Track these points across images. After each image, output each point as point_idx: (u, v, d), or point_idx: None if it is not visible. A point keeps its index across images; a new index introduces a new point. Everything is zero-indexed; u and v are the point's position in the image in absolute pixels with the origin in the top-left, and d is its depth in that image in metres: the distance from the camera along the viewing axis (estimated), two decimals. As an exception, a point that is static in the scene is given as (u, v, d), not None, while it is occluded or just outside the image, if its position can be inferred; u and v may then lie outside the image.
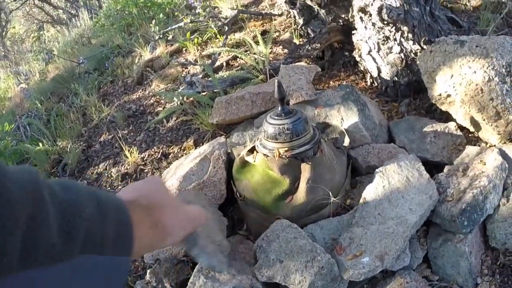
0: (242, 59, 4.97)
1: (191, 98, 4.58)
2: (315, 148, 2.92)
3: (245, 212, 3.16)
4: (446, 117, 3.56)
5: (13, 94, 9.15)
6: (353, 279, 2.47)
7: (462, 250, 2.63)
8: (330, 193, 2.82)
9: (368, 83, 4.25)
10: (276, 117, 2.90)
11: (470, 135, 3.46)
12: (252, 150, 3.14)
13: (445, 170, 3.03)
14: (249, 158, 3.10)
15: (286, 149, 2.85)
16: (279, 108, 2.92)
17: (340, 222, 2.82)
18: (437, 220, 2.76)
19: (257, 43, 4.72)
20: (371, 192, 2.87)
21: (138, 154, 4.37)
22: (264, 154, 2.94)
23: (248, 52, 4.84)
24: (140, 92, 5.67)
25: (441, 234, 2.76)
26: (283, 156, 2.85)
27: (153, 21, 6.91)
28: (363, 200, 2.85)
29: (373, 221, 2.68)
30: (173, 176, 3.42)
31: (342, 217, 2.85)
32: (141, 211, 0.93)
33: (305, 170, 2.85)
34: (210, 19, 5.66)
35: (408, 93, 3.99)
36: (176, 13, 7.02)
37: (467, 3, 4.85)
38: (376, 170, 2.98)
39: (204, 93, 4.48)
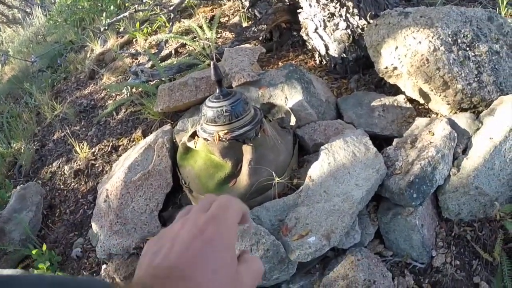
0: (190, 45, 4.85)
1: (139, 89, 4.46)
2: (257, 128, 2.83)
3: (191, 199, 3.06)
4: (396, 91, 3.51)
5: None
6: (300, 260, 2.39)
7: (412, 224, 2.57)
8: (274, 174, 2.73)
9: (317, 62, 4.18)
10: (214, 100, 2.80)
11: (420, 107, 3.41)
12: (193, 136, 3.04)
13: (394, 143, 2.97)
14: (190, 144, 3.00)
15: (226, 131, 2.76)
16: (217, 91, 2.82)
17: (286, 203, 2.73)
18: (386, 194, 2.68)
19: (202, 28, 4.61)
20: (316, 170, 2.78)
21: (89, 149, 4.27)
22: (205, 139, 2.84)
23: (197, 38, 4.73)
24: (92, 86, 5.57)
25: (391, 208, 2.70)
26: (223, 139, 2.76)
27: (104, 14, 6.76)
28: (308, 178, 2.76)
29: (319, 199, 2.60)
30: (121, 168, 3.31)
31: (288, 197, 2.76)
32: None
33: (247, 151, 2.76)
34: (157, 7, 5.53)
35: (357, 69, 3.93)
36: (127, 4, 6.86)
37: (416, -24, 4.79)
38: (322, 147, 2.90)
39: (152, 82, 4.36)
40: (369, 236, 2.67)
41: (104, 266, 3.04)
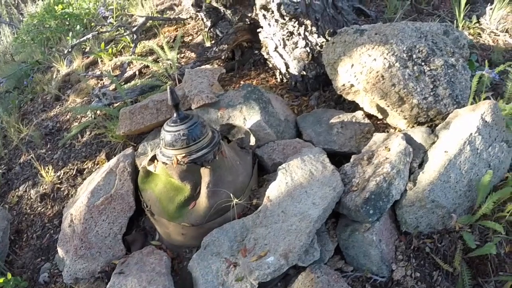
0: (153, 67, 4.87)
1: (103, 112, 4.47)
2: (215, 151, 2.87)
3: (153, 222, 3.08)
4: (355, 106, 3.56)
5: None
6: (260, 280, 2.41)
7: (370, 239, 2.61)
8: (232, 195, 2.77)
9: (278, 80, 4.23)
10: (172, 124, 2.84)
11: (378, 122, 3.46)
12: (153, 159, 3.07)
13: (351, 159, 3.01)
14: (150, 168, 3.03)
15: (184, 155, 2.80)
16: (174, 115, 2.86)
17: (245, 223, 2.77)
18: (343, 211, 2.73)
19: (163, 49, 4.64)
20: (274, 190, 2.82)
21: (54, 172, 4.25)
22: (163, 162, 2.87)
23: (160, 59, 4.75)
24: (58, 108, 5.52)
25: (348, 224, 2.74)
26: (181, 163, 2.79)
27: (70, 34, 6.74)
28: (267, 199, 2.80)
29: (277, 219, 2.64)
30: (85, 192, 3.32)
31: (247, 217, 2.80)
32: None
33: (205, 174, 2.80)
34: (121, 28, 5.54)
35: (317, 86, 3.99)
36: (92, 24, 6.84)
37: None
38: (279, 167, 2.94)
39: (116, 105, 4.38)
40: (328, 253, 2.70)
41: (72, 289, 3.05)
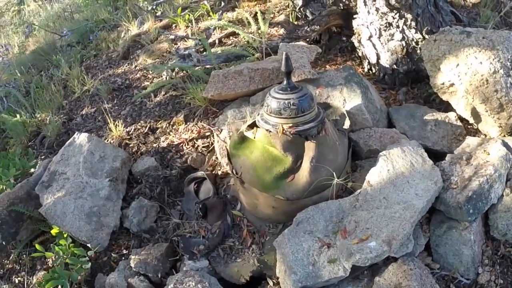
0: (237, 37, 4.84)
1: (181, 73, 4.42)
2: (319, 126, 2.80)
3: (240, 191, 3.02)
4: (446, 108, 3.51)
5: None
6: (359, 264, 2.35)
7: (467, 238, 2.57)
8: (334, 174, 2.70)
9: (366, 70, 4.15)
10: (281, 91, 2.76)
11: (469, 126, 3.40)
12: (252, 126, 2.99)
13: (448, 158, 2.95)
14: (248, 134, 2.96)
15: (290, 125, 2.72)
16: (285, 82, 2.78)
17: (342, 205, 2.71)
18: (441, 207, 2.67)
19: (249, 23, 4.58)
20: (375, 175, 2.76)
21: (124, 127, 4.18)
22: (267, 130, 2.79)
23: (245, 30, 4.67)
24: (126, 66, 5.46)
25: (444, 221, 2.69)
26: (287, 133, 2.72)
27: (142, -5, 6.68)
28: (367, 183, 2.74)
29: (378, 205, 2.58)
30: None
31: (344, 199, 2.74)
32: None
33: (310, 148, 2.73)
34: (200, -5, 5.49)
35: (406, 82, 3.91)
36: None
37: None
38: (380, 153, 2.88)
39: (197, 68, 4.31)
40: (420, 247, 2.63)
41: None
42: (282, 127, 2.71)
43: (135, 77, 5.10)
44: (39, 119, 5.03)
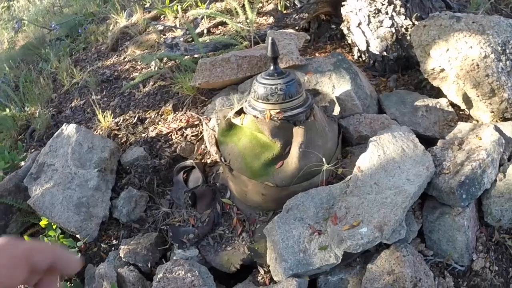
0: (226, 27, 4.80)
1: (169, 63, 4.37)
2: (308, 112, 2.75)
3: (229, 178, 2.97)
4: (436, 94, 3.48)
5: (-21, 62, 8.85)
6: (350, 251, 2.30)
7: (460, 224, 2.52)
8: (324, 160, 2.65)
9: (355, 57, 4.11)
10: (267, 77, 2.70)
11: (460, 112, 3.38)
12: (239, 112, 2.94)
13: (439, 143, 2.91)
14: (236, 120, 2.90)
15: (278, 110, 2.67)
16: (271, 68, 2.72)
17: (332, 191, 2.66)
18: (433, 192, 2.63)
19: (237, 12, 4.54)
20: (365, 161, 2.71)
21: (112, 118, 4.14)
22: (254, 116, 2.74)
23: (234, 19, 4.63)
24: (115, 58, 5.45)
25: (437, 207, 2.64)
26: (275, 118, 2.66)
27: (130, -13, 6.66)
28: (357, 169, 2.69)
29: (369, 190, 2.53)
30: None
31: (334, 185, 2.69)
32: None
33: (298, 134, 2.67)
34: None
35: (396, 69, 3.87)
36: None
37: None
38: (370, 139, 2.83)
39: (186, 57, 4.27)
40: (412, 233, 2.59)
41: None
42: (270, 113, 2.66)
43: (124, 68, 5.07)
44: (29, 112, 5.02)
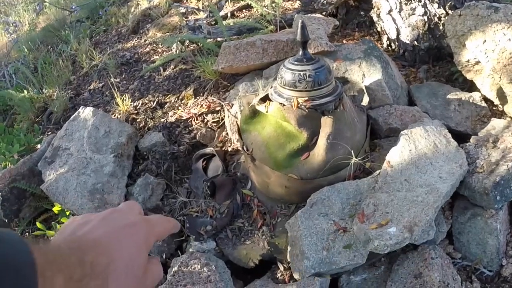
0: (250, 10, 4.67)
1: (191, 47, 4.26)
2: (337, 101, 2.61)
3: (251, 168, 2.85)
4: (469, 87, 3.33)
5: (0, 44, 8.80)
6: (377, 251, 2.17)
7: (493, 227, 2.40)
8: (352, 152, 2.52)
9: (385, 46, 3.96)
10: (296, 62, 2.56)
11: (494, 107, 3.22)
12: (264, 99, 2.81)
13: (472, 140, 2.76)
14: (261, 108, 2.77)
15: (306, 98, 2.53)
16: (300, 53, 2.58)
17: (360, 186, 2.53)
18: (465, 192, 2.49)
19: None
20: (396, 156, 2.57)
21: (131, 102, 4.03)
22: (280, 103, 2.61)
23: (258, 2, 4.51)
24: (135, 40, 5.35)
25: (468, 208, 2.51)
26: (302, 107, 2.53)
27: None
28: (387, 164, 2.55)
29: (400, 187, 2.39)
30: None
31: (362, 180, 2.56)
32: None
33: (326, 124, 2.53)
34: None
35: (427, 59, 3.72)
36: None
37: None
38: (401, 132, 2.69)
39: (208, 40, 4.15)
40: (441, 234, 2.48)
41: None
42: (297, 100, 2.52)
43: (144, 51, 4.97)
44: (47, 95, 4.97)
